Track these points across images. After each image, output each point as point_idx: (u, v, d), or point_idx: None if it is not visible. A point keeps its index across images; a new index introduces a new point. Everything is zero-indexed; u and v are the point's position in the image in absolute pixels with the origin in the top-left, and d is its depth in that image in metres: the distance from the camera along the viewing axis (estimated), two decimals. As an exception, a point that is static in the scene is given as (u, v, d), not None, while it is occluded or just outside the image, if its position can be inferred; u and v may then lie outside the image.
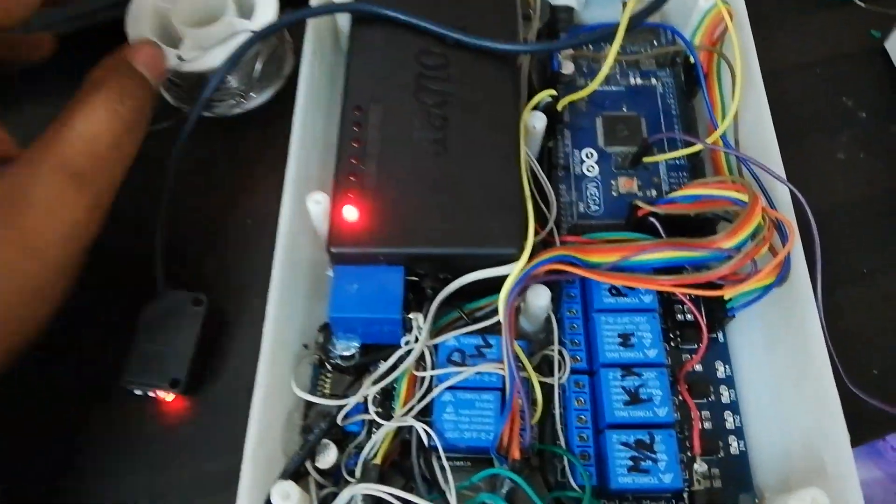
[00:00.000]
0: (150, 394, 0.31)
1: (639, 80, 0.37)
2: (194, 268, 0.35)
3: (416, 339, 0.28)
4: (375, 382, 0.28)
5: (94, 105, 0.28)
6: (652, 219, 0.30)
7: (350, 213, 0.29)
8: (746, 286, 0.28)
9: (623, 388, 0.27)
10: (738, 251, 0.27)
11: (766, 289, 0.28)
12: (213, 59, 0.34)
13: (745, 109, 0.33)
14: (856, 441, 0.32)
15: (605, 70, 0.31)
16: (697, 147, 0.32)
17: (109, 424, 0.31)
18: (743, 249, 0.27)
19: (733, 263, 0.27)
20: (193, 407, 0.32)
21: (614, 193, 0.34)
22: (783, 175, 0.30)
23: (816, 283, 0.27)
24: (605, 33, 0.31)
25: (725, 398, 0.30)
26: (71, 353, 0.33)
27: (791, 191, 0.29)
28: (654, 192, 0.34)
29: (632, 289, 0.29)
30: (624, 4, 0.38)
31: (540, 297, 0.28)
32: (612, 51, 0.30)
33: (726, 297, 0.29)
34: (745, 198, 0.28)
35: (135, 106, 0.29)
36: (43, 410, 0.32)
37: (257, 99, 0.38)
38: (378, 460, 0.27)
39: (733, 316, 0.29)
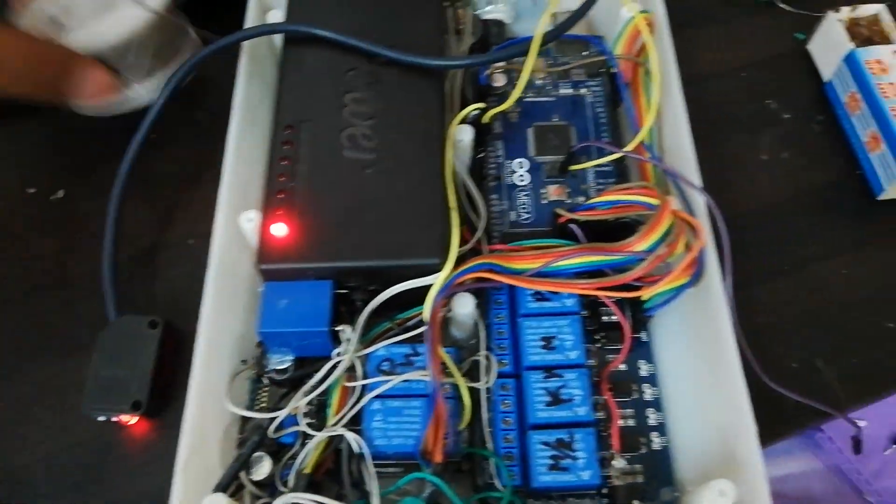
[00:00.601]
0: (114, 418, 0.32)
1: (569, 91, 0.38)
2: (144, 291, 0.36)
3: (346, 351, 0.29)
4: (306, 394, 0.29)
5: (29, 42, 0.33)
6: (572, 225, 0.31)
7: (279, 230, 0.29)
8: (660, 287, 0.29)
9: (545, 389, 0.28)
10: (651, 253, 0.28)
11: (680, 289, 0.29)
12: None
13: (666, 116, 0.34)
14: (785, 432, 0.33)
15: (519, 87, 0.32)
16: (616, 155, 0.33)
17: (70, 449, 0.32)
18: (654, 252, 0.28)
19: (645, 266, 0.28)
20: (155, 428, 0.33)
21: (544, 201, 0.35)
22: (697, 179, 0.31)
23: (726, 281, 0.28)
24: (518, 50, 0.32)
25: (648, 395, 0.31)
26: (29, 383, 0.34)
27: (702, 194, 0.30)
28: (582, 199, 0.35)
29: (555, 293, 0.30)
30: (554, 17, 0.40)
31: (464, 305, 0.29)
32: (526, 69, 0.31)
33: (643, 298, 0.30)
34: (656, 202, 0.29)
35: (46, 76, 0.33)
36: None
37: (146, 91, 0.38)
38: (308, 470, 0.28)
39: (651, 316, 0.31)
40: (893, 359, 0.33)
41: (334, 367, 0.29)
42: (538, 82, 0.38)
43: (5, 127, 0.41)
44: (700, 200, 0.31)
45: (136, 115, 0.36)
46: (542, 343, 0.29)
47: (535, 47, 0.30)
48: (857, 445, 0.33)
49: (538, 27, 0.31)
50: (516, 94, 0.32)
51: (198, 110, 0.41)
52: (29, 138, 0.41)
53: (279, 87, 0.33)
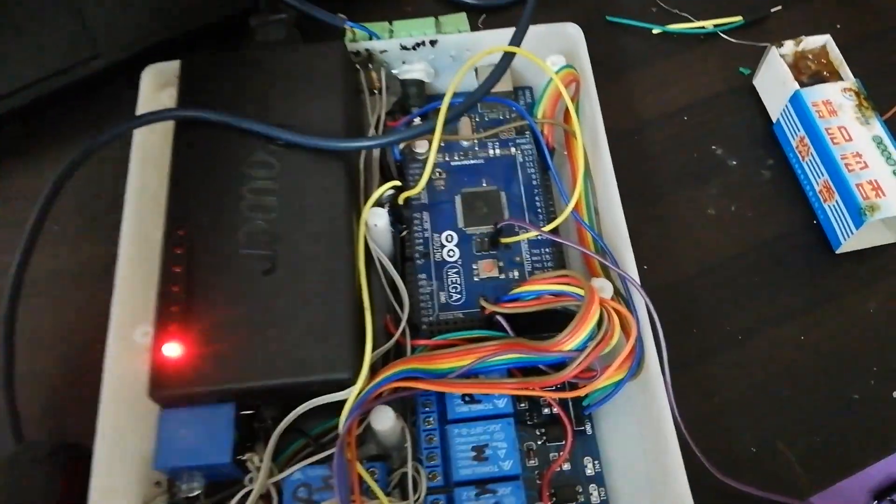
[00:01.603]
0: None
1: (498, 151, 0.36)
2: (51, 408, 0.33)
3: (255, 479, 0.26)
4: (213, 534, 0.26)
5: None
6: (498, 317, 0.28)
7: (172, 349, 0.27)
8: (596, 385, 0.26)
9: (477, 510, 0.26)
10: (582, 351, 0.26)
11: (619, 385, 0.26)
12: None
13: (597, 179, 0.32)
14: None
15: (427, 172, 0.29)
16: (533, 234, 0.30)
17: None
18: (586, 349, 0.26)
19: (577, 365, 0.26)
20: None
21: (476, 279, 0.32)
22: (630, 257, 0.28)
23: (665, 373, 0.26)
24: (423, 129, 0.29)
25: (595, 498, 0.28)
26: None
27: (640, 291, 0.27)
28: (516, 274, 0.32)
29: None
30: (476, 71, 0.37)
31: (382, 421, 0.26)
32: (432, 152, 0.28)
33: (581, 396, 0.27)
34: (582, 292, 0.26)
35: None
36: None
37: None
38: None
39: (589, 414, 0.28)
40: (860, 433, 0.30)
41: (246, 496, 0.26)
42: (465, 143, 0.36)
43: None
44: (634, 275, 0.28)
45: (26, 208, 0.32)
46: (473, 454, 0.27)
47: (438, 132, 0.27)
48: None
49: (444, 102, 0.28)
50: (424, 179, 0.30)
51: (103, 198, 0.38)
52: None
53: (169, 184, 0.30)
